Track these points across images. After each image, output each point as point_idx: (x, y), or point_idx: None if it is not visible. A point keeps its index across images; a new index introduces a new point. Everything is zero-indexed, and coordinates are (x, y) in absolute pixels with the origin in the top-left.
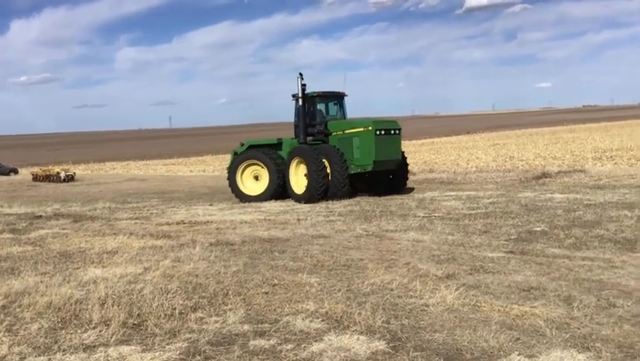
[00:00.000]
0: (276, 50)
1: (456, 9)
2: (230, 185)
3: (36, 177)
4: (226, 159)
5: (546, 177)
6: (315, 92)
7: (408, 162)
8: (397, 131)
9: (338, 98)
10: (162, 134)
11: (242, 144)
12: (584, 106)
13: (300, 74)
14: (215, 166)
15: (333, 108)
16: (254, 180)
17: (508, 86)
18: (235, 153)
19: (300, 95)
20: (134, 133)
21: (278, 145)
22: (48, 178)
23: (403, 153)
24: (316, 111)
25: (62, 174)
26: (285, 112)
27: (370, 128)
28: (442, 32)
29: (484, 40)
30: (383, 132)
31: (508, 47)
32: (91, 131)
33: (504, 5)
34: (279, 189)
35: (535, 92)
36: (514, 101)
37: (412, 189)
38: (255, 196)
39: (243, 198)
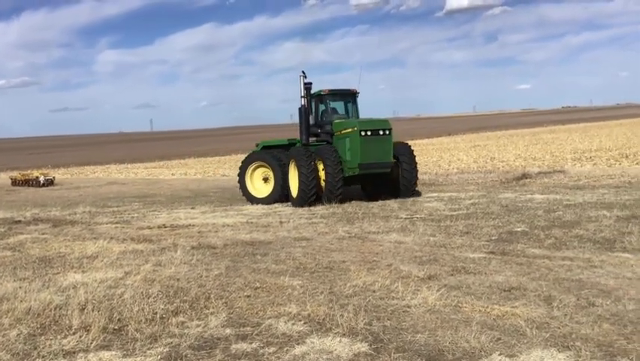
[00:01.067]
0: (257, 52)
1: (436, 11)
2: (240, 187)
3: (15, 182)
4: (207, 162)
5: (526, 178)
6: (321, 91)
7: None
8: (387, 132)
9: (349, 96)
10: (143, 137)
11: (257, 145)
12: (563, 107)
13: (303, 72)
14: (198, 169)
15: (344, 107)
16: (263, 182)
17: (488, 88)
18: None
19: (302, 93)
20: (115, 136)
21: (289, 146)
22: (27, 183)
23: (412, 152)
24: (325, 110)
25: (42, 179)
26: (269, 115)
27: (356, 128)
28: (423, 34)
29: (464, 43)
30: (369, 133)
31: (489, 49)
32: (71, 135)
33: (484, 7)
34: (285, 192)
35: (515, 94)
36: (495, 102)
37: None
38: (262, 198)
39: (252, 200)
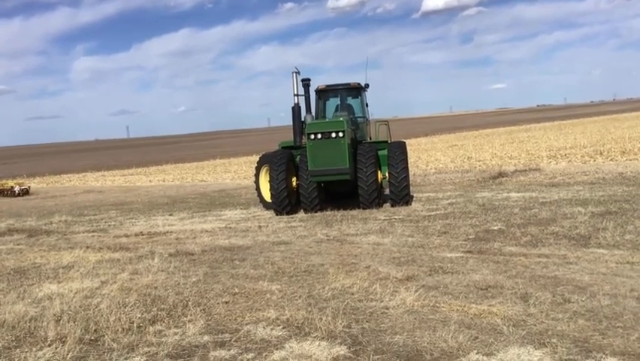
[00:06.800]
0: (235, 56)
1: (412, 13)
2: (255, 187)
3: None
4: (185, 168)
5: (503, 177)
6: (320, 87)
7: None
8: (341, 134)
9: (354, 90)
10: (120, 144)
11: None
12: (538, 106)
13: (296, 69)
14: (175, 175)
15: (349, 103)
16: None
17: (464, 88)
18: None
19: (295, 92)
20: (91, 144)
21: (298, 147)
22: (1, 193)
23: (403, 152)
24: (326, 108)
25: (16, 188)
26: (248, 119)
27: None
28: (400, 36)
29: (440, 44)
30: (319, 136)
31: (464, 50)
32: (46, 143)
33: (459, 8)
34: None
35: (490, 93)
36: (471, 102)
37: None
38: (270, 203)
39: (264, 204)
